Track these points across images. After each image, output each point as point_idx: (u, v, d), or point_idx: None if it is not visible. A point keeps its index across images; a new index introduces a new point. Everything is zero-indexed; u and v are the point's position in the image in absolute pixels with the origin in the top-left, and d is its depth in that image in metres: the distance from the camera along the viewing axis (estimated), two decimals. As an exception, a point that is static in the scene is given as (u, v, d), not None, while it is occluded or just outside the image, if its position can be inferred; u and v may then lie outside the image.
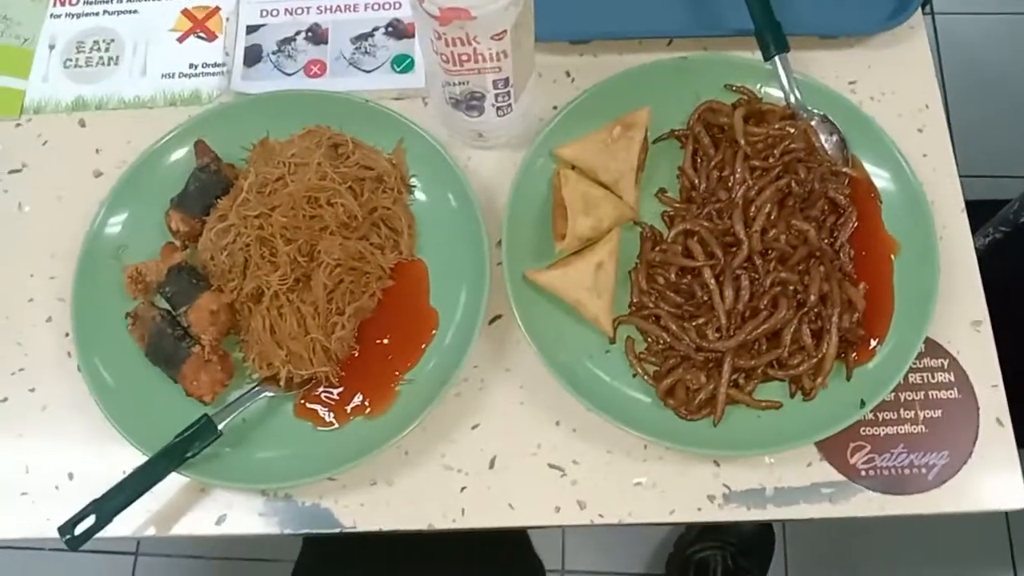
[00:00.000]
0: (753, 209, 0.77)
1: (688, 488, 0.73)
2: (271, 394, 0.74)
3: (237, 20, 0.92)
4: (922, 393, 0.75)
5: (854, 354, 0.74)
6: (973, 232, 0.80)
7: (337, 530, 0.73)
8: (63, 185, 0.86)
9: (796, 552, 1.61)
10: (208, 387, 0.73)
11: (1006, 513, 0.71)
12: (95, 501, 0.69)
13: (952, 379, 0.76)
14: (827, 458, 0.73)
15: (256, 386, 0.75)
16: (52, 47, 0.93)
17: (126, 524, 0.72)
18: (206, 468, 0.72)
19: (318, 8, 0.92)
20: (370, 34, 0.90)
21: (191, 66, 0.91)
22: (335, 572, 1.08)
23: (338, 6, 0.92)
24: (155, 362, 0.75)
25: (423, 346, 0.76)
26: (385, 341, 0.77)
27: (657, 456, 0.74)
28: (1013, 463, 0.73)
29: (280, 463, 0.73)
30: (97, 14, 0.94)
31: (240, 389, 0.75)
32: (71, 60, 0.92)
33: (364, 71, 0.89)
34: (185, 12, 0.94)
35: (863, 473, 0.73)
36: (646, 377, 0.74)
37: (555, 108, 0.84)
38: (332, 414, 0.75)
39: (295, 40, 0.91)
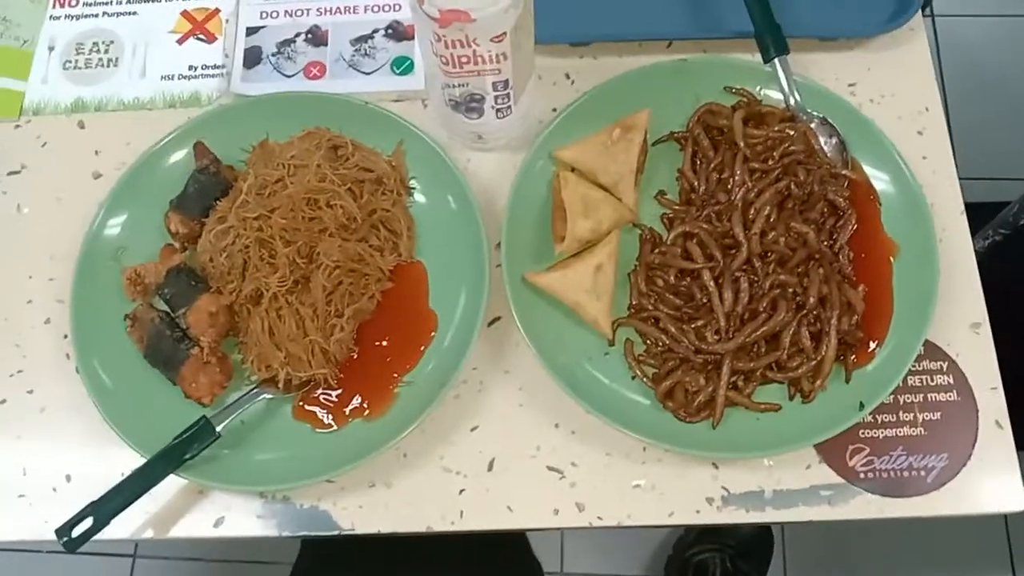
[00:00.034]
0: (752, 211, 0.77)
1: (687, 490, 0.73)
2: (270, 396, 0.74)
3: (237, 22, 0.92)
4: (921, 395, 0.75)
5: (853, 356, 0.74)
6: (973, 234, 0.80)
7: (335, 532, 0.73)
8: (62, 187, 0.86)
9: (795, 554, 1.61)
10: (207, 389, 0.73)
11: (1005, 516, 0.71)
12: (93, 503, 0.69)
13: (951, 381, 0.75)
14: (826, 460, 0.73)
15: (255, 388, 0.75)
16: (51, 48, 0.93)
17: (124, 526, 0.72)
18: (204, 470, 0.72)
19: (318, 10, 0.92)
20: (370, 36, 0.90)
21: (191, 68, 0.91)
22: (333, 574, 1.08)
23: (338, 8, 0.92)
24: (154, 364, 0.75)
25: (422, 348, 0.76)
26: (384, 343, 0.77)
27: (656, 458, 0.74)
28: (1012, 466, 0.73)
29: (278, 465, 0.73)
30: (96, 16, 0.94)
31: (239, 391, 0.75)
32: (70, 62, 0.92)
33: (364, 73, 0.89)
34: (185, 14, 0.94)
35: (862, 475, 0.73)
36: (645, 379, 0.74)
37: (555, 110, 0.84)
38: (331, 416, 0.75)
39: (295, 42, 0.91)
